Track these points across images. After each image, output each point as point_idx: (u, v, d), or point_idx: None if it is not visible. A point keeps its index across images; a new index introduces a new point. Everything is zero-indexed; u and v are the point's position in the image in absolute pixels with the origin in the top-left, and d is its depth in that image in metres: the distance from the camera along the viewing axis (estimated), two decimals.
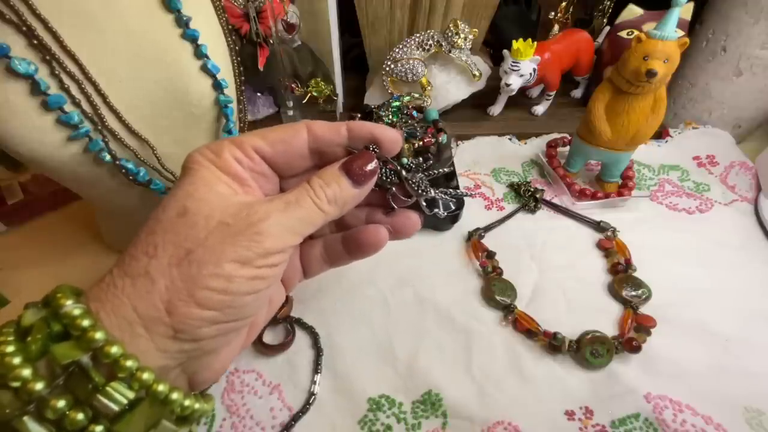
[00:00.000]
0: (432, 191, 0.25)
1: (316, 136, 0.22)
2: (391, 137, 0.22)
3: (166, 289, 0.17)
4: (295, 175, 0.23)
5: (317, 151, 0.22)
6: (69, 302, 0.17)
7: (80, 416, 0.16)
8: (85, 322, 0.16)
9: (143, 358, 0.17)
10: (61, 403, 0.15)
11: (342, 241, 0.26)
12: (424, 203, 0.25)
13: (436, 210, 0.25)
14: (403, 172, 0.24)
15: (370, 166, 0.21)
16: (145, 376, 0.17)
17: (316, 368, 0.33)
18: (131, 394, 0.17)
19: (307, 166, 0.23)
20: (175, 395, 0.18)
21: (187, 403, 0.18)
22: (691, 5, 0.49)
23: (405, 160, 0.24)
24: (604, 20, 0.63)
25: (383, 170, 0.24)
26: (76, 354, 0.16)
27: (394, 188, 0.24)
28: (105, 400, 0.16)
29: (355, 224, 0.26)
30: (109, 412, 0.16)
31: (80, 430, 0.16)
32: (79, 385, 0.16)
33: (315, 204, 0.20)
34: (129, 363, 0.16)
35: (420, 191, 0.24)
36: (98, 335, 0.16)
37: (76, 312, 0.16)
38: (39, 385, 0.15)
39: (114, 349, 0.16)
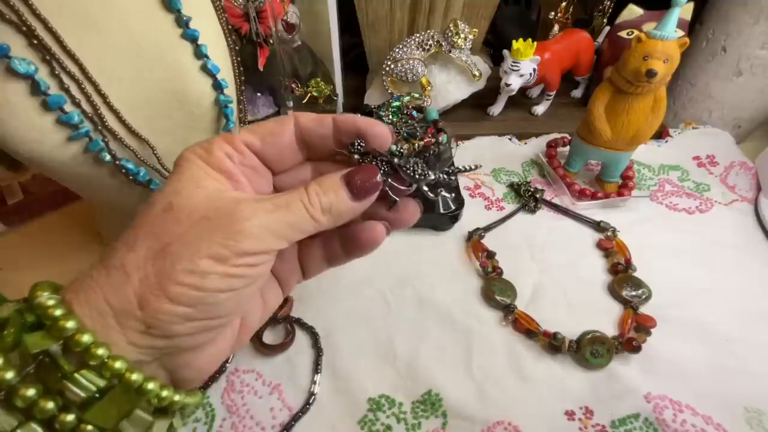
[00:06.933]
0: (431, 173, 0.22)
1: (302, 127, 0.22)
2: (378, 132, 0.21)
3: (139, 283, 0.17)
4: (287, 170, 0.23)
5: (306, 144, 0.22)
6: (44, 294, 0.17)
7: (50, 405, 0.16)
8: (57, 312, 0.16)
9: (115, 350, 0.17)
10: (30, 392, 0.15)
11: (339, 240, 0.25)
12: (426, 188, 0.23)
13: (440, 190, 0.24)
14: (395, 160, 0.22)
15: (373, 181, 0.20)
16: (117, 364, 0.16)
17: (316, 368, 0.33)
18: (102, 382, 0.16)
19: (298, 160, 0.23)
20: (150, 385, 0.17)
21: (164, 393, 0.18)
22: (691, 5, 0.49)
23: (393, 147, 0.22)
24: (604, 20, 0.63)
25: (374, 162, 0.22)
26: (47, 343, 0.16)
27: (389, 179, 0.22)
28: (73, 387, 0.16)
29: (353, 219, 0.26)
30: (77, 399, 0.16)
31: (50, 419, 0.16)
32: (49, 373, 0.16)
33: (307, 211, 0.19)
34: (100, 351, 0.16)
35: (417, 176, 0.22)
36: (69, 324, 0.16)
37: (50, 302, 0.16)
38: (9, 374, 0.15)
39: (85, 338, 0.16)
